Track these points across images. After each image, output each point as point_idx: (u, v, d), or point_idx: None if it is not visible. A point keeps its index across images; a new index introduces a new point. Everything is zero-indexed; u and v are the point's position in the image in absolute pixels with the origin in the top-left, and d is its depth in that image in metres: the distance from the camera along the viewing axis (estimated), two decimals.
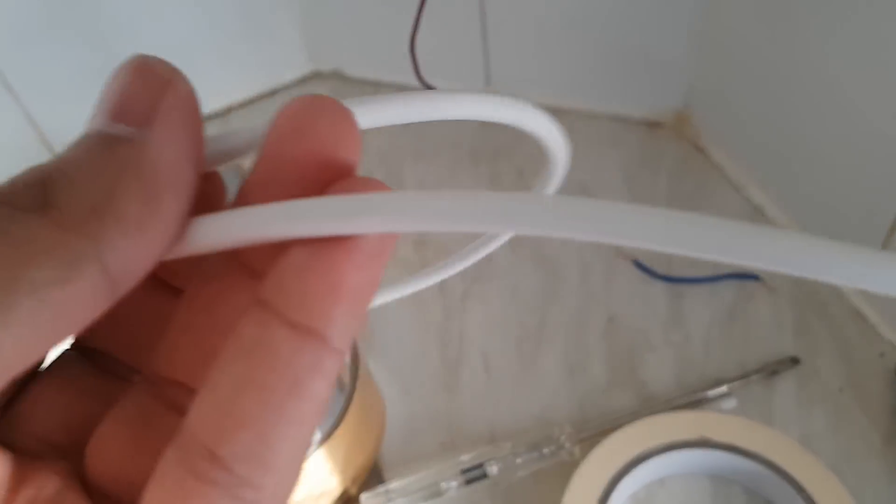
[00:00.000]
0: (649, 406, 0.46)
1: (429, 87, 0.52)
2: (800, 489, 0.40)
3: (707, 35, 0.54)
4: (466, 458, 0.45)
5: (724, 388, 0.47)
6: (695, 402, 0.46)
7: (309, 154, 0.14)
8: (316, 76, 0.69)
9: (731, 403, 0.46)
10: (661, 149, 0.60)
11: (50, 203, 0.12)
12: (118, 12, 0.58)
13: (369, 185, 0.14)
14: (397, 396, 0.49)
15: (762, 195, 0.55)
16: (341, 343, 0.13)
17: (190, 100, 0.14)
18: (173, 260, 0.14)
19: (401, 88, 0.66)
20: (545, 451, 0.45)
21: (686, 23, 0.54)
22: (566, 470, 0.42)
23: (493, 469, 0.44)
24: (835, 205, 0.49)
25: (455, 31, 0.61)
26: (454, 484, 0.44)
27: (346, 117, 0.14)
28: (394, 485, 0.44)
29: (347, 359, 0.43)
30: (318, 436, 0.45)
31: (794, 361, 0.47)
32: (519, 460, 0.45)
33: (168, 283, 0.17)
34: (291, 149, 0.14)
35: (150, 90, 0.13)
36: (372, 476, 0.46)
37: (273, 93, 0.68)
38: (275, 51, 0.67)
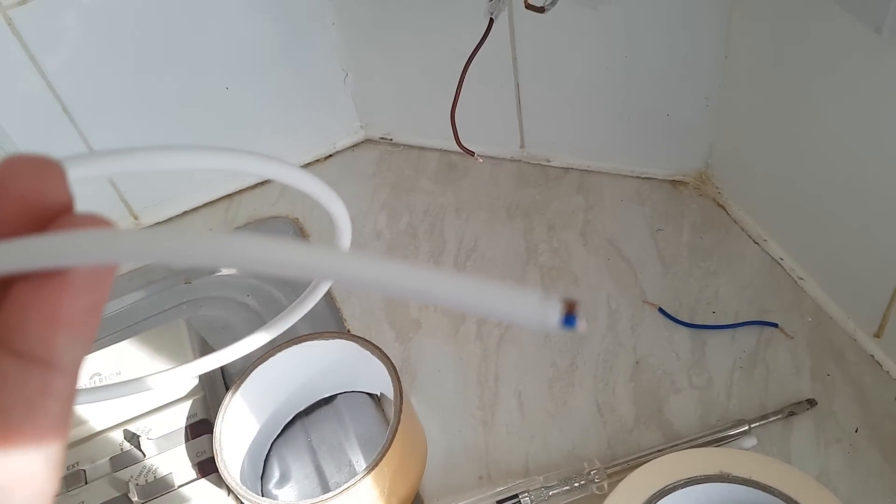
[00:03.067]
0: (674, 444, 0.49)
1: (469, 152, 0.58)
2: None
3: (725, 101, 0.59)
4: (502, 490, 0.48)
5: (744, 428, 0.49)
6: (717, 441, 0.49)
7: (14, 199, 0.15)
8: (367, 142, 0.76)
9: (751, 442, 0.49)
10: (684, 206, 0.64)
11: None
12: (191, 86, 0.66)
13: (85, 221, 0.15)
14: (438, 432, 0.53)
15: (780, 248, 0.59)
16: (70, 364, 0.15)
17: None
18: None
19: (443, 153, 0.73)
20: (576, 484, 0.48)
21: (704, 91, 0.59)
22: (595, 502, 0.46)
23: (526, 500, 0.48)
24: (848, 257, 0.52)
25: (492, 101, 0.67)
26: None
27: (46, 165, 0.16)
28: None
29: (392, 396, 0.48)
30: (363, 465, 0.49)
31: (812, 403, 0.50)
32: (551, 493, 0.48)
33: None
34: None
35: None
36: None
37: (329, 157, 0.75)
38: (331, 120, 0.74)
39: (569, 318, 0.14)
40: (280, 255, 0.15)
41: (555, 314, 0.14)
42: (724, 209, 0.63)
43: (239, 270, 0.19)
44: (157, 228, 0.16)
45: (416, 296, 0.15)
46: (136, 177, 0.69)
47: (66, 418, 0.16)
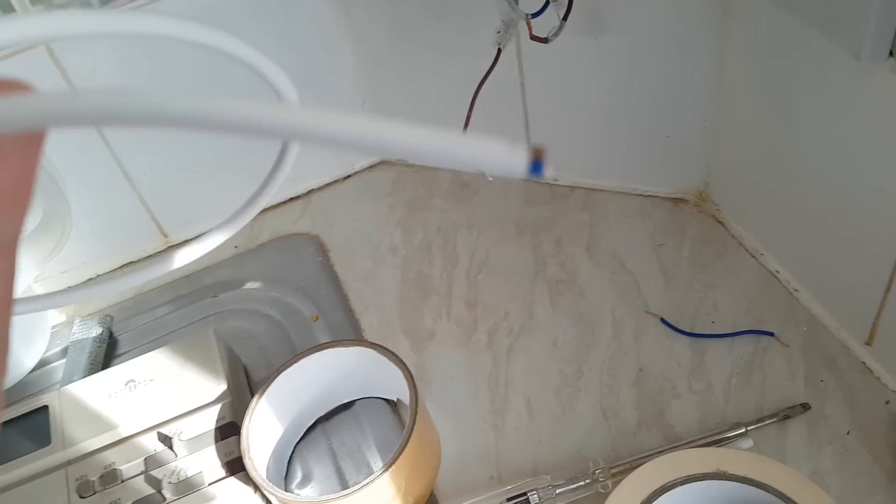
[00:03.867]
0: (674, 445, 0.52)
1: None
2: None
3: (721, 124, 0.62)
4: (511, 488, 0.51)
5: (741, 430, 0.52)
6: (715, 442, 0.52)
7: None
8: (383, 163, 0.80)
9: (747, 444, 0.52)
10: (684, 222, 0.67)
11: None
12: None
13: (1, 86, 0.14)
14: (451, 435, 0.56)
15: (776, 262, 0.62)
16: (4, 241, 0.14)
17: None
18: None
19: (455, 174, 0.76)
20: (581, 483, 0.51)
21: (701, 114, 0.62)
22: (600, 500, 0.48)
23: (535, 498, 0.51)
24: (840, 269, 0.55)
25: (501, 123, 0.71)
26: None
27: None
28: None
29: (408, 401, 0.51)
30: (380, 464, 0.52)
31: (805, 407, 0.53)
32: (558, 491, 0.51)
33: None
34: None
35: None
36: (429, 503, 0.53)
37: (347, 177, 0.79)
38: None
39: (536, 166, 0.14)
40: (243, 112, 0.14)
41: (522, 161, 0.14)
42: (723, 225, 0.66)
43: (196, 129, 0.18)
44: (86, 88, 0.14)
45: (388, 150, 0.14)
46: (168, 198, 0.73)
47: (8, 299, 0.15)
